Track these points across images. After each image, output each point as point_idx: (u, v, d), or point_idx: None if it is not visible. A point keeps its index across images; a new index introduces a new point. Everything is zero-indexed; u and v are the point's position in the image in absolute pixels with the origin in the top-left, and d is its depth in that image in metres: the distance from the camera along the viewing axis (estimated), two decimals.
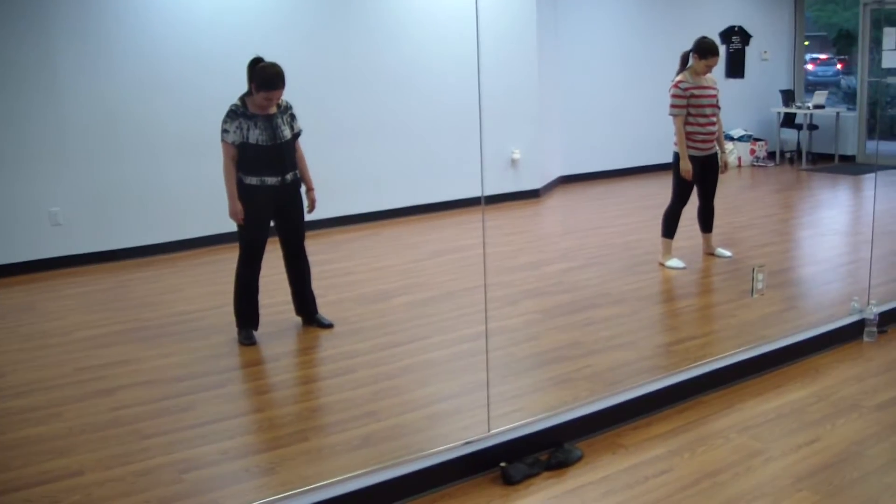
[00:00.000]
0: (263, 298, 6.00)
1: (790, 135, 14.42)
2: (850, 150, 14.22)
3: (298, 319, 6.22)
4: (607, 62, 12.72)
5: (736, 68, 13.86)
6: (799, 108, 14.01)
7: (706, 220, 7.75)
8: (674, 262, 7.52)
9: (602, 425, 4.51)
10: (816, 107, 13.84)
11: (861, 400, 4.84)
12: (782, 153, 14.28)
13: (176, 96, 8.69)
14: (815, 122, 14.17)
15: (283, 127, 5.76)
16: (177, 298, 7.13)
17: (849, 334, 5.78)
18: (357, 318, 6.33)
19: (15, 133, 8.01)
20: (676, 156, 7.41)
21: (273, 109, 5.74)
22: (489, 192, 10.55)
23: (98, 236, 8.49)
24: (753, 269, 5.89)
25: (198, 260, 8.47)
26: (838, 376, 5.18)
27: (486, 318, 4.91)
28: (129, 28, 8.43)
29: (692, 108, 7.27)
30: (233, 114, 5.64)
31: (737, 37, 13.80)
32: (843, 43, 16.59)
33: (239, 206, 5.72)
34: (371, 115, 9.92)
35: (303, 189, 6.01)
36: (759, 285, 5.89)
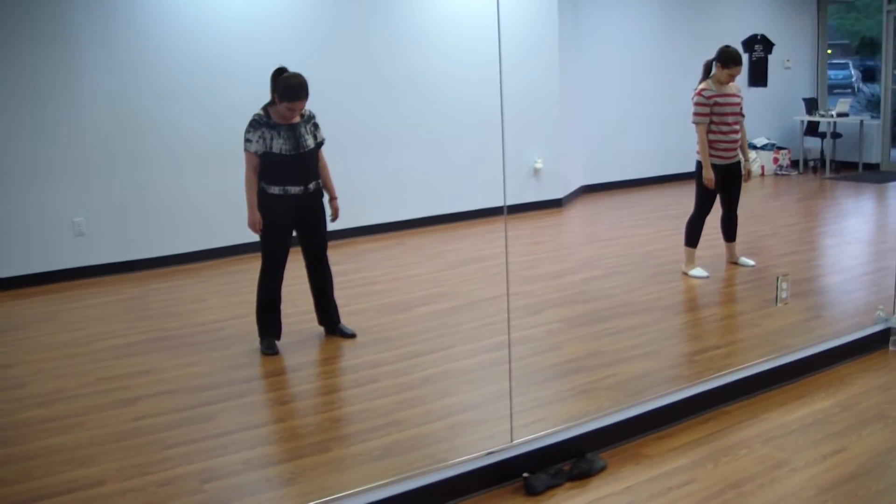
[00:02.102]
0: (286, 308, 6.00)
1: (813, 143, 14.35)
2: (874, 159, 14.13)
3: (321, 329, 6.22)
4: (629, 71, 12.70)
5: (759, 77, 13.83)
6: (822, 116, 13.93)
7: (729, 229, 7.71)
8: (697, 272, 7.49)
9: (625, 435, 4.48)
10: (840, 115, 13.76)
11: (886, 410, 4.79)
12: (805, 161, 14.21)
13: (198, 106, 8.72)
14: (838, 130, 14.08)
15: (306, 136, 5.76)
16: (199, 308, 7.14)
17: (874, 344, 5.72)
18: (380, 328, 6.32)
19: (38, 143, 8.05)
20: (699, 164, 7.38)
21: (296, 119, 5.74)
22: (511, 201, 10.61)
23: (121, 246, 8.52)
24: (777, 278, 5.86)
25: (220, 270, 8.48)
26: (863, 386, 5.13)
27: (508, 327, 4.89)
28: (151, 39, 8.47)
29: (715, 116, 7.24)
30: (256, 123, 5.65)
31: (759, 45, 13.77)
32: (866, 50, 16.51)
33: (258, 217, 5.73)
34: (393, 124, 9.92)
35: (326, 198, 6.00)
36: (784, 294, 5.85)
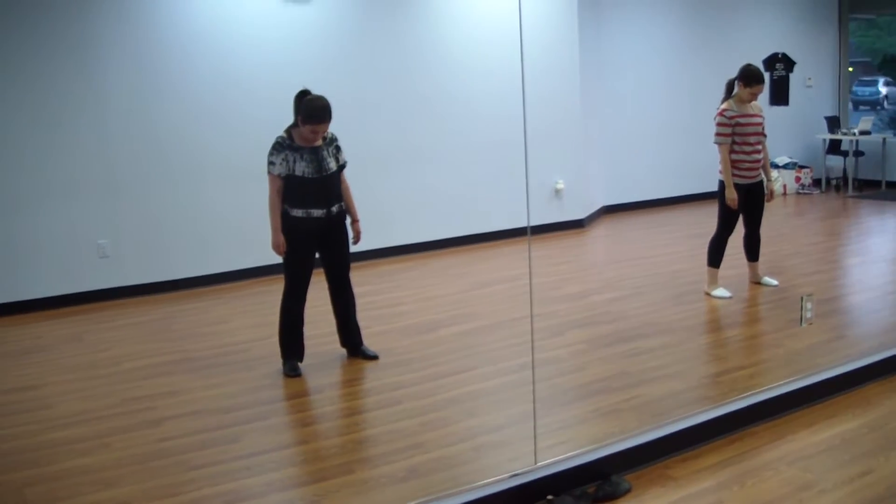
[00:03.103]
0: (308, 330, 6.02)
1: (836, 161, 14.29)
2: None
3: (343, 351, 6.24)
4: (650, 90, 12.69)
5: (780, 95, 13.79)
6: (844, 134, 13.88)
7: (752, 248, 7.69)
8: (719, 292, 7.47)
9: (650, 457, 4.45)
10: (862, 133, 13.71)
11: None
12: (828, 180, 14.15)
13: (221, 128, 8.77)
14: (860, 148, 14.03)
15: (328, 159, 5.79)
16: (223, 330, 7.16)
17: None
18: (403, 350, 6.33)
19: (63, 165, 8.11)
20: (721, 184, 7.37)
21: (319, 142, 5.76)
22: (533, 222, 10.61)
23: (145, 268, 8.57)
24: (802, 298, 5.83)
25: (244, 291, 8.51)
26: (891, 406, 5.09)
27: (532, 348, 4.89)
28: (176, 58, 8.54)
29: (737, 136, 7.23)
30: (279, 146, 5.67)
31: (780, 63, 13.75)
32: (888, 67, 16.46)
33: (281, 239, 5.75)
34: (414, 145, 9.95)
35: (348, 220, 6.02)
36: (808, 314, 5.82)
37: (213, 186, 8.81)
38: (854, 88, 16.83)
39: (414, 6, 9.93)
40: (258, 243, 8.85)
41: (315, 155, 5.73)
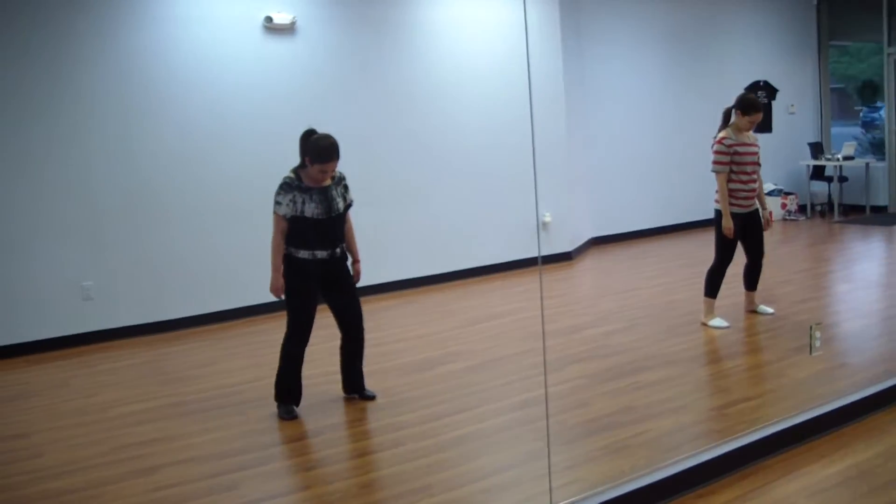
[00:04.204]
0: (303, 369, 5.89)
1: (820, 187, 14.31)
2: (881, 201, 14.08)
3: (338, 391, 6.11)
4: (634, 121, 12.69)
5: (763, 123, 13.71)
6: (828, 160, 13.88)
7: (752, 277, 7.65)
8: (717, 322, 7.41)
9: (665, 495, 4.33)
10: (846, 158, 13.73)
11: None
12: (813, 206, 14.17)
13: (207, 167, 8.67)
14: (844, 173, 14.05)
15: (337, 199, 5.70)
16: (213, 372, 7.02)
17: None
18: (401, 389, 6.20)
19: (44, 207, 7.98)
20: (718, 213, 7.33)
21: (327, 181, 5.66)
22: (520, 255, 10.54)
23: (131, 310, 8.43)
24: (811, 328, 5.74)
25: (232, 332, 8.37)
26: None
27: (545, 381, 4.81)
28: (162, 96, 8.43)
29: (735, 164, 7.19)
30: (287, 186, 5.56)
31: (763, 91, 13.78)
32: (867, 93, 16.51)
33: (281, 282, 5.64)
34: (401, 180, 9.85)
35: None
36: (817, 343, 5.73)
37: (198, 226, 8.68)
38: (863, 114, 16.97)
39: (400, 40, 9.85)
40: (244, 283, 8.80)
41: (324, 195, 5.64)
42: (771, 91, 13.95)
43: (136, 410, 6.13)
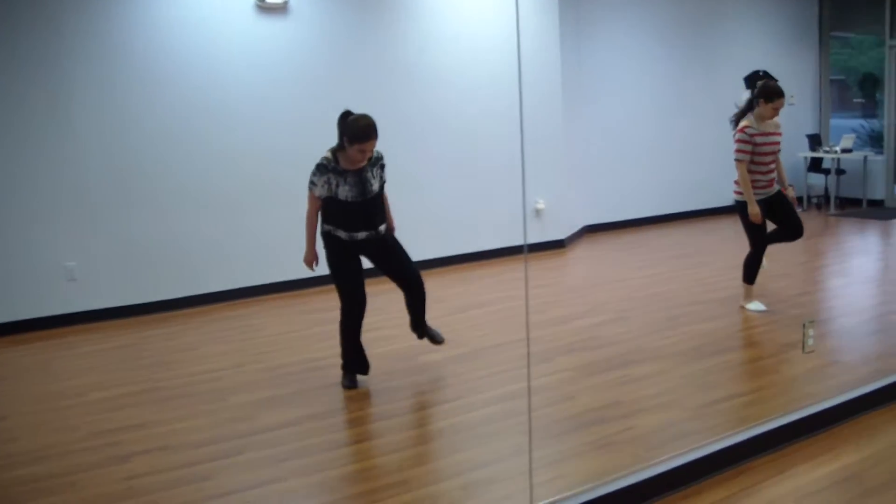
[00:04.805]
0: (284, 358, 5.79)
1: (817, 180, 14.18)
2: (878, 195, 13.96)
3: (324, 380, 6.04)
4: (631, 109, 12.58)
5: None
6: (826, 152, 13.75)
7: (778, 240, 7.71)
8: (754, 305, 7.52)
9: (651, 494, 4.21)
10: (844, 151, 13.60)
11: None
12: (809, 198, 14.05)
13: (194, 148, 8.53)
14: (842, 166, 13.93)
15: (372, 181, 5.72)
16: (193, 357, 6.89)
17: None
18: (384, 378, 6.08)
19: (30, 187, 7.85)
20: (738, 203, 7.39)
21: (363, 162, 5.65)
22: (511, 243, 10.41)
23: (114, 291, 8.31)
24: (804, 325, 5.61)
25: (214, 315, 8.25)
26: (894, 437, 4.87)
27: (528, 374, 4.66)
28: (146, 81, 8.27)
29: (755, 155, 7.22)
30: (323, 168, 5.57)
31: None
32: (866, 86, 16.37)
33: (312, 255, 5.76)
34: (393, 165, 9.67)
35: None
36: (810, 341, 5.61)
37: (182, 208, 8.55)
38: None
39: (395, 21, 9.69)
40: (230, 266, 8.69)
41: (359, 177, 5.65)
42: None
43: (114, 395, 6.02)
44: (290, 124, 8.84)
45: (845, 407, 5.15)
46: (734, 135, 7.27)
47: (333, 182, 5.56)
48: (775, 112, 7.24)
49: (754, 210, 7.21)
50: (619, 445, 4.72)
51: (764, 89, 7.18)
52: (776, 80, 6.88)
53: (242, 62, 8.73)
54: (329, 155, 5.61)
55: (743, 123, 7.23)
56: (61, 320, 8.07)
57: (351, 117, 5.54)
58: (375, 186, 5.75)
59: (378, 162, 5.79)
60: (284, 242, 8.87)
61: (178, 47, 8.39)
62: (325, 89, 9.09)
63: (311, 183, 5.59)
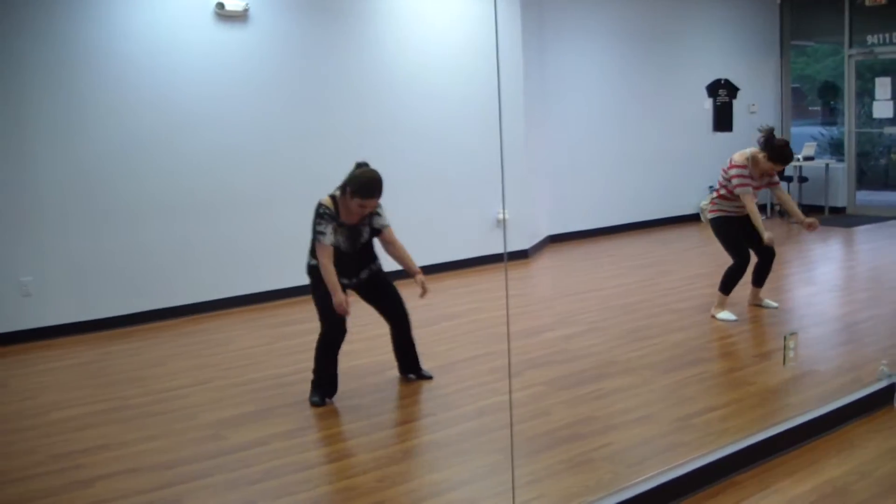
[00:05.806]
0: (252, 373, 5.64)
1: None
2: (840, 202, 14.04)
3: (291, 398, 5.90)
4: (594, 118, 12.56)
5: (724, 122, 13.76)
6: None
7: (761, 275, 7.85)
8: (725, 315, 7.54)
9: None
10: (806, 158, 13.65)
11: None
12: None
13: (153, 158, 8.35)
14: (804, 174, 13.98)
15: (363, 232, 5.74)
16: (159, 374, 6.71)
17: (879, 401, 5.40)
18: (351, 394, 5.94)
19: None
20: (715, 221, 7.59)
21: (361, 217, 5.68)
22: (474, 253, 10.32)
23: (73, 306, 8.10)
24: (785, 338, 5.54)
25: (178, 330, 8.08)
26: (876, 449, 4.80)
27: (510, 388, 4.55)
28: (104, 91, 8.08)
29: (734, 186, 7.32)
30: (328, 217, 5.56)
31: (723, 90, 13.71)
32: (828, 94, 16.46)
33: (345, 297, 5.57)
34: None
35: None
36: (791, 353, 5.54)
37: (143, 220, 8.36)
38: None
39: (357, 30, 9.56)
40: (192, 279, 8.54)
41: (353, 231, 5.67)
42: (732, 90, 13.86)
43: (76, 415, 5.84)
44: (253, 133, 8.69)
45: (823, 420, 5.09)
46: (728, 170, 7.37)
47: (334, 231, 5.57)
48: (772, 172, 7.41)
49: (768, 237, 7.27)
50: (598, 462, 4.63)
51: (778, 151, 7.18)
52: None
53: (202, 71, 8.56)
54: (329, 203, 5.58)
55: (740, 161, 7.32)
56: (17, 337, 7.83)
57: (360, 169, 5.56)
58: (365, 237, 5.76)
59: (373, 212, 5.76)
60: (249, 253, 8.74)
61: (137, 55, 8.21)
62: (287, 98, 8.96)
63: (320, 233, 5.52)
